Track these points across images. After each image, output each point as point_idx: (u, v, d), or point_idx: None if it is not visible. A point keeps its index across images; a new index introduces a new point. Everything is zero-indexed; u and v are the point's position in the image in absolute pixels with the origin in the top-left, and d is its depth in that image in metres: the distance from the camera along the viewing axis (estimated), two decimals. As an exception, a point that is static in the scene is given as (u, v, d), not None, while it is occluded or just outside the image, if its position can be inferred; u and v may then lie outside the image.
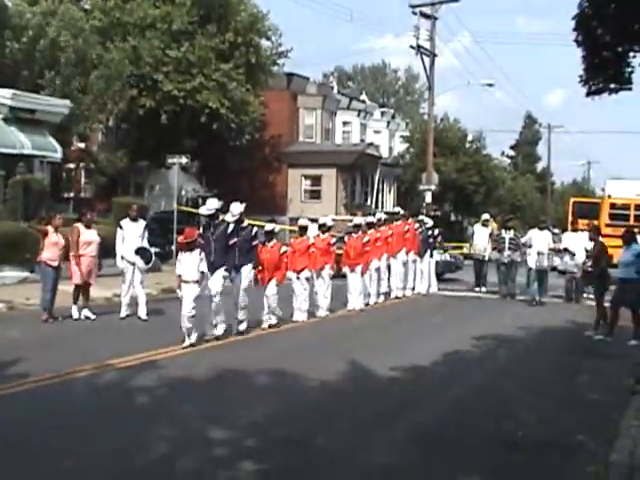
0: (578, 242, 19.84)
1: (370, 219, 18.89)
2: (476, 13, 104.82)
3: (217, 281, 12.44)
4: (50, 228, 14.29)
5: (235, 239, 12.77)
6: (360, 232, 17.57)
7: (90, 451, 6.67)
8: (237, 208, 13.09)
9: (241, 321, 13.24)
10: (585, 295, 20.27)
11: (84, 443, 6.87)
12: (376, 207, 42.09)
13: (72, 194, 39.14)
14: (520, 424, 7.95)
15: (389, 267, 19.41)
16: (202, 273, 11.97)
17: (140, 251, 14.72)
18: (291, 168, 43.36)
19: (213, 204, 12.80)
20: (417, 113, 53.21)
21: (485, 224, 23.33)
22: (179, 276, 12.04)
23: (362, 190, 45.71)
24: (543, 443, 7.36)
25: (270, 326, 14.03)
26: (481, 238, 22.57)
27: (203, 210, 13.03)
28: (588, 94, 11.51)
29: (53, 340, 12.35)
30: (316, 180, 42.93)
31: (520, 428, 7.77)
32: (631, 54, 11.03)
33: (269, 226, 14.75)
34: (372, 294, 18.26)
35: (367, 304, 17.78)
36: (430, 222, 22.50)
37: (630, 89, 11.42)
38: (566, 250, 19.85)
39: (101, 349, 11.29)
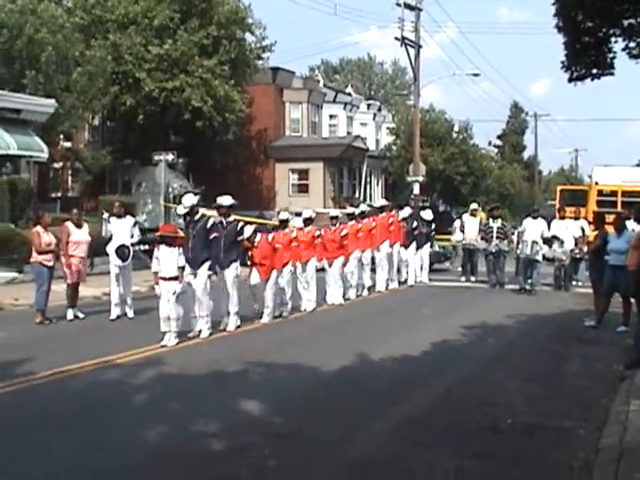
0: (566, 230, 19.89)
1: (349, 210, 18.67)
2: (460, 2, 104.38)
3: (201, 280, 12.35)
4: (40, 228, 14.06)
5: (215, 234, 12.59)
6: (339, 224, 17.26)
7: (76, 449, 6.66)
8: (189, 200, 12.65)
9: (231, 316, 13.11)
10: (574, 283, 20.34)
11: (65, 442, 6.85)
12: (364, 199, 41.92)
13: (59, 193, 39.08)
14: (509, 410, 7.96)
15: (373, 259, 19.23)
16: (181, 268, 11.81)
17: (119, 249, 14.60)
18: (278, 162, 43.25)
19: (189, 200, 12.62)
20: (404, 105, 53.07)
21: (474, 214, 23.31)
22: (155, 273, 11.85)
23: (350, 183, 45.64)
24: (532, 429, 7.35)
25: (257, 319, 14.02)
26: (471, 228, 22.52)
27: (180, 209, 12.92)
28: (570, 80, 11.50)
29: (41, 341, 12.23)
30: (303, 174, 42.86)
31: (509, 414, 7.77)
32: (612, 39, 11.03)
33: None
34: (353, 287, 17.88)
35: (348, 298, 17.43)
36: (429, 216, 22.39)
37: (612, 74, 11.41)
38: (555, 238, 19.80)
39: (86, 349, 11.19)
